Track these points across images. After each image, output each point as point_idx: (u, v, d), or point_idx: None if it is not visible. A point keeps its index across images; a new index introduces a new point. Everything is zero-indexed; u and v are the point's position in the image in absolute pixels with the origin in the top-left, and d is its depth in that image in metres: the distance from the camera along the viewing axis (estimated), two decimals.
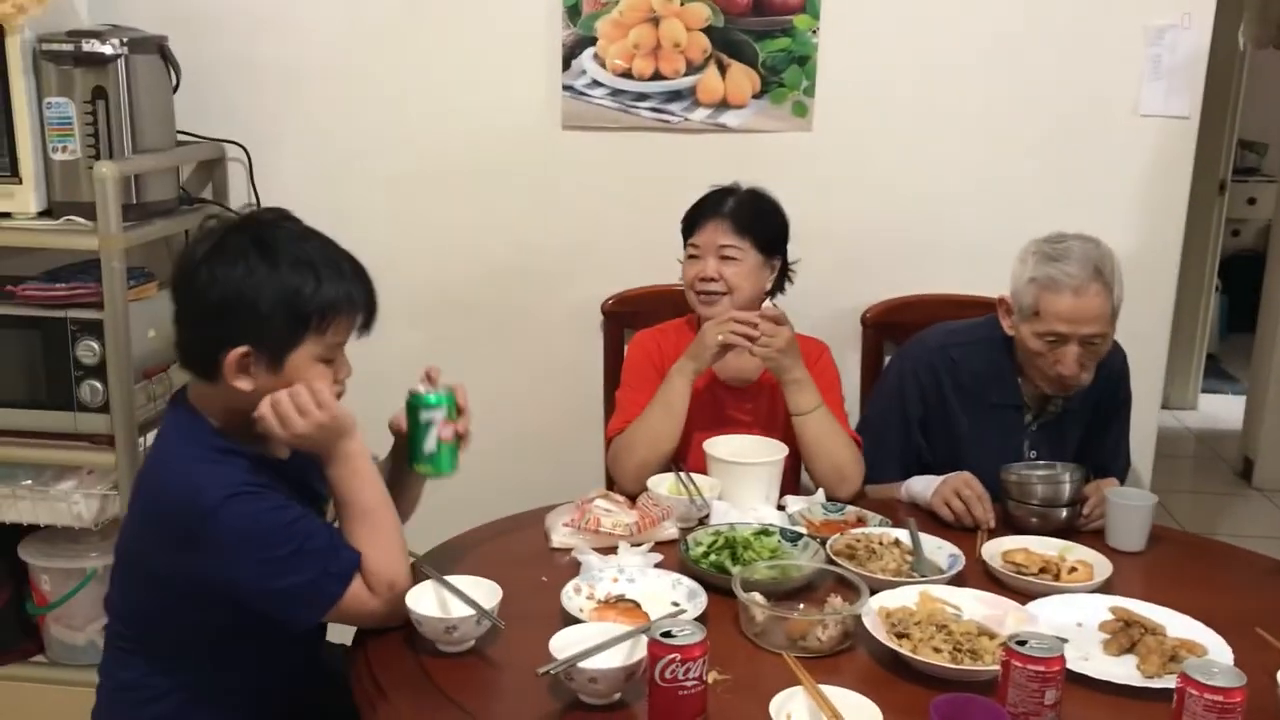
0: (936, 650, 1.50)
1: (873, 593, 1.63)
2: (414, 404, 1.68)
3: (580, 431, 2.69)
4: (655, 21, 2.60)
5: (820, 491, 2.08)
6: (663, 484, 2.01)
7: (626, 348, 2.48)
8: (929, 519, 2.02)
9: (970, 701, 1.28)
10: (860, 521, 1.97)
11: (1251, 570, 1.93)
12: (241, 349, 1.50)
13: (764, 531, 1.85)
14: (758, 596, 1.60)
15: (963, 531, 1.97)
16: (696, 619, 1.54)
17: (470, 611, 1.51)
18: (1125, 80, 2.57)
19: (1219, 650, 1.54)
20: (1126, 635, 1.57)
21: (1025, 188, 2.63)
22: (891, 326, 2.65)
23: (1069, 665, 1.46)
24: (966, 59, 2.59)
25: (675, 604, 1.65)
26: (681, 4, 2.59)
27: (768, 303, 2.15)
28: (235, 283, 1.49)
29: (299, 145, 2.71)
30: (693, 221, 2.24)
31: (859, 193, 2.67)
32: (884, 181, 2.66)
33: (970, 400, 2.22)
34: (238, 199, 2.71)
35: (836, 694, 1.34)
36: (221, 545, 1.47)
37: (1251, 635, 1.57)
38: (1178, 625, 1.61)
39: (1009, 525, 1.98)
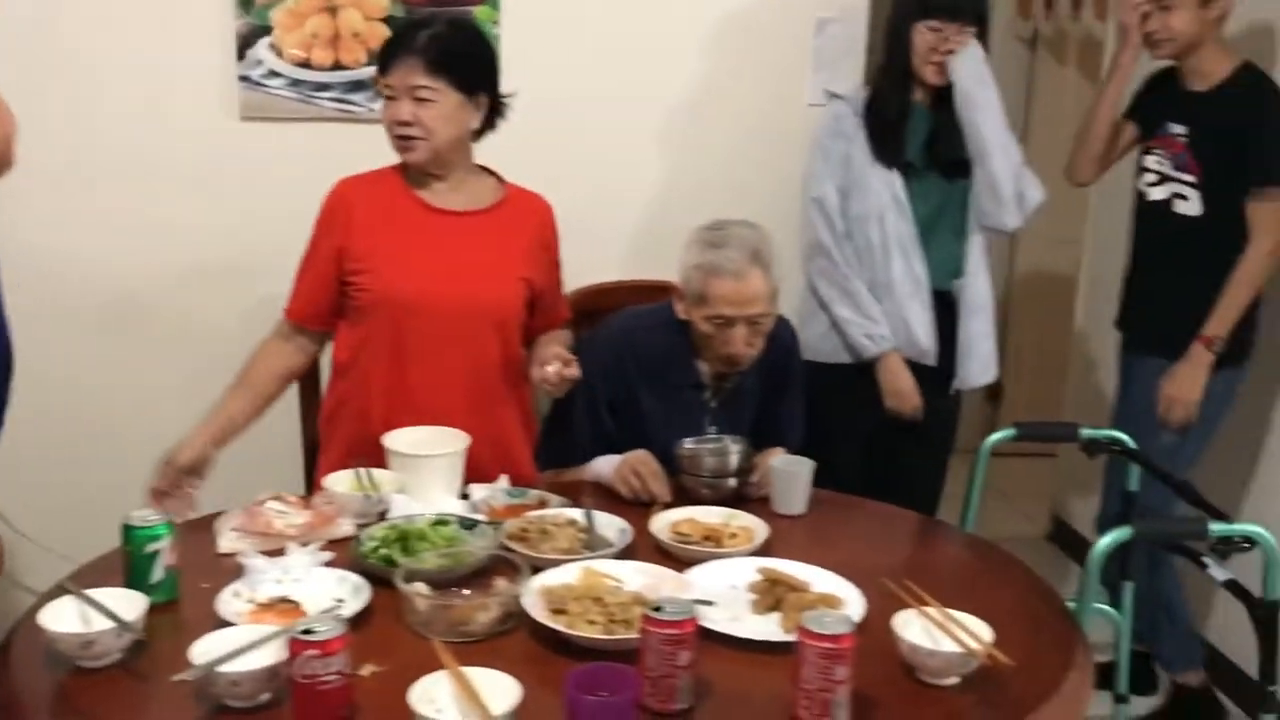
0: (591, 623, 1.55)
1: (538, 572, 1.67)
2: (139, 535, 1.61)
3: (266, 433, 2.62)
4: (333, 11, 2.56)
5: (503, 479, 2.10)
6: (342, 481, 1.98)
7: None
8: (612, 497, 2.08)
9: (605, 669, 1.33)
10: (543, 504, 2.01)
11: (902, 527, 2.09)
12: None
13: (441, 521, 1.86)
14: (421, 587, 1.61)
15: (642, 506, 2.04)
16: (360, 613, 1.56)
17: (110, 624, 1.45)
18: (794, 72, 2.72)
19: (855, 602, 1.65)
20: (772, 594, 1.67)
21: (706, 175, 2.75)
22: (588, 313, 2.70)
23: (718, 627, 1.56)
24: (647, 50, 2.69)
25: (339, 600, 1.63)
26: None
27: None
28: None
29: None
30: (385, 58, 2.11)
31: (544, 182, 2.67)
32: (572, 173, 2.70)
33: (653, 381, 2.29)
34: None
35: (481, 675, 1.36)
36: None
37: (877, 580, 1.68)
38: (823, 581, 1.72)
39: (685, 498, 2.07)
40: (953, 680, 1.49)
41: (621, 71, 2.69)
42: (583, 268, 2.73)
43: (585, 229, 2.74)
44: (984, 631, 1.50)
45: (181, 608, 1.64)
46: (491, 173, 2.29)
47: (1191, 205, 2.60)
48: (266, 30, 2.53)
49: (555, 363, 2.10)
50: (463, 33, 2.17)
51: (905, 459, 2.67)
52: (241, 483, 2.12)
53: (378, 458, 2.03)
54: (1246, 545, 1.99)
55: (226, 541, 1.82)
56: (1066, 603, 1.80)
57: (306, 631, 1.32)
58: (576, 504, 1.98)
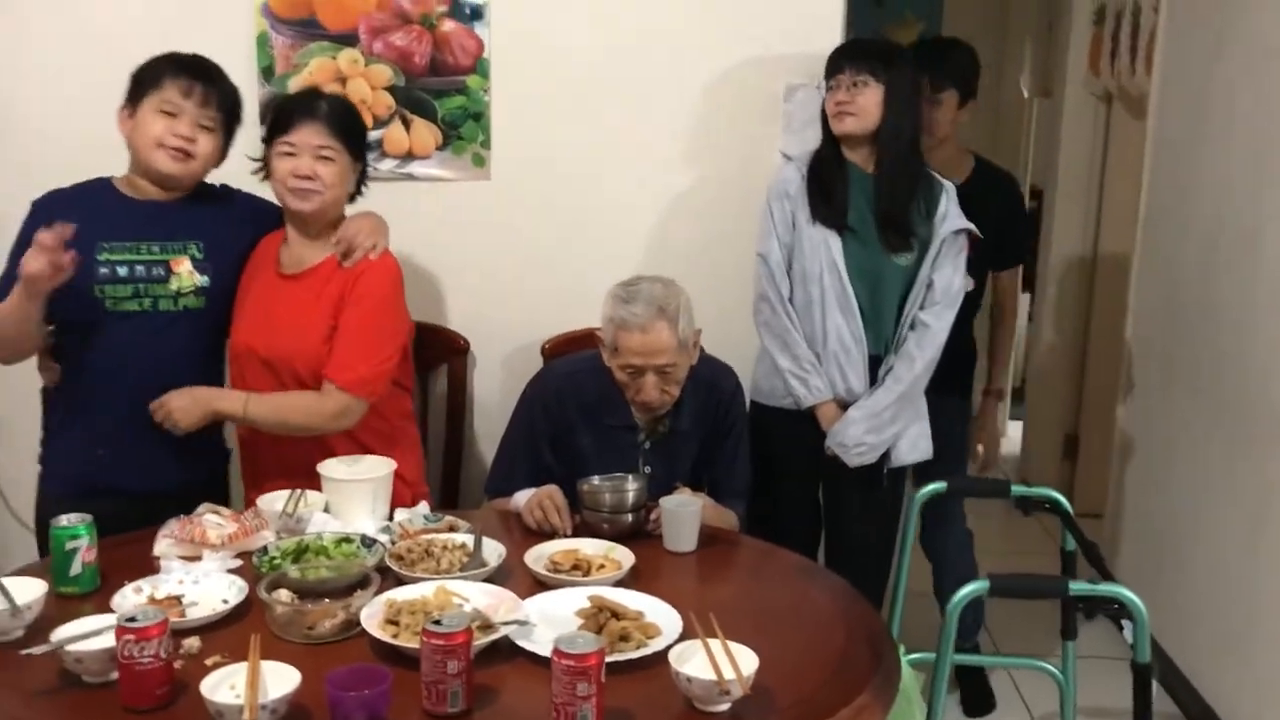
0: (416, 634, 1.73)
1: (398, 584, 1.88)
2: (60, 535, 1.90)
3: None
4: (343, 81, 2.86)
5: (424, 504, 2.31)
6: (277, 500, 2.23)
7: None
8: (525, 527, 2.27)
9: (363, 669, 1.53)
10: (452, 529, 2.20)
11: (779, 567, 2.19)
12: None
13: (345, 539, 2.09)
14: (282, 594, 1.83)
15: (545, 537, 2.21)
16: (242, 613, 1.81)
17: (4, 605, 1.73)
18: (766, 133, 2.86)
19: (672, 632, 1.78)
20: (595, 620, 1.81)
21: (683, 227, 2.91)
22: None
23: (534, 648, 1.72)
24: (625, 112, 2.88)
25: (225, 601, 1.88)
26: (366, 65, 2.85)
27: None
28: None
29: None
30: (286, 120, 2.34)
31: (534, 233, 2.94)
32: (556, 222, 2.94)
33: (590, 421, 2.46)
34: None
35: (276, 667, 1.57)
36: None
37: (717, 617, 1.79)
38: (654, 611, 1.85)
39: (588, 531, 2.23)
40: (722, 707, 1.60)
41: (602, 132, 2.88)
42: (571, 313, 2.94)
43: (571, 277, 2.96)
44: (748, 664, 1.61)
45: (99, 598, 1.91)
46: None
47: (966, 282, 2.76)
48: None
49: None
50: (353, 109, 2.46)
51: (850, 510, 2.72)
52: None
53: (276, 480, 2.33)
54: (1115, 606, 2.01)
55: (158, 546, 2.09)
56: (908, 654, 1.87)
57: (131, 620, 1.56)
58: (472, 530, 2.17)
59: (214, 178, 2.48)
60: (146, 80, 2.33)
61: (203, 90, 2.33)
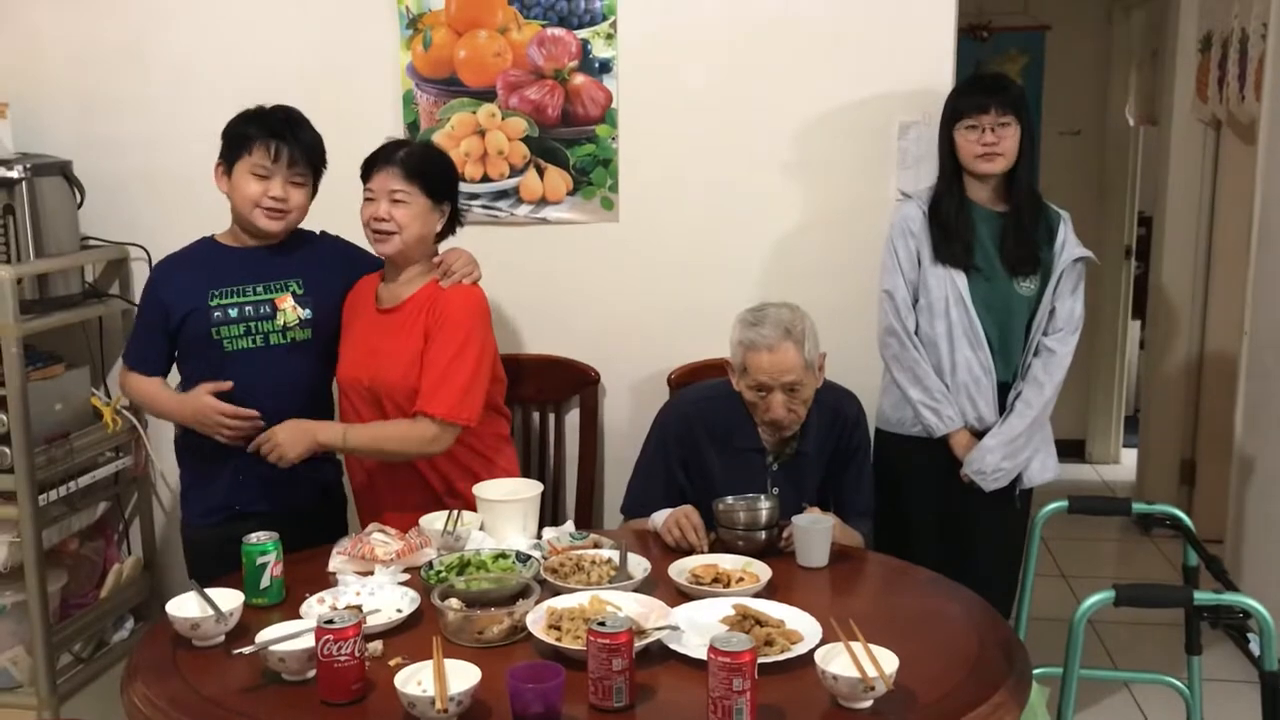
0: (577, 638, 1.88)
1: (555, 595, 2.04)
2: (251, 551, 2.10)
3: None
4: (482, 134, 3.07)
5: (570, 523, 2.47)
6: (438, 520, 2.41)
7: None
8: (663, 544, 2.41)
9: (540, 665, 1.68)
10: (596, 545, 2.36)
11: (910, 581, 2.29)
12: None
13: (502, 555, 2.25)
14: (453, 602, 2.00)
15: (683, 554, 2.35)
16: (413, 621, 1.98)
17: (210, 613, 1.93)
18: (883, 168, 2.99)
19: (813, 638, 1.90)
20: (741, 626, 1.94)
21: (800, 262, 3.04)
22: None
23: (685, 651, 1.86)
24: (742, 154, 3.03)
25: (399, 610, 2.05)
26: (503, 119, 3.06)
27: None
28: None
29: None
30: (368, 168, 2.51)
31: (660, 271, 3.10)
32: (680, 260, 3.09)
33: (720, 445, 2.59)
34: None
35: (459, 665, 1.74)
36: None
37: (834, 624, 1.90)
38: (795, 620, 1.98)
39: (723, 548, 2.36)
40: (866, 704, 1.72)
41: (722, 171, 3.04)
42: (695, 345, 3.09)
43: (694, 312, 3.11)
44: (889, 664, 1.72)
45: (284, 608, 2.10)
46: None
47: None
48: None
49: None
50: (432, 151, 2.60)
51: (982, 531, 2.80)
52: None
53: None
54: (1241, 615, 2.07)
55: (333, 563, 2.28)
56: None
57: (329, 622, 1.74)
58: (618, 546, 2.31)
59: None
60: (236, 143, 2.50)
61: (289, 151, 2.48)
